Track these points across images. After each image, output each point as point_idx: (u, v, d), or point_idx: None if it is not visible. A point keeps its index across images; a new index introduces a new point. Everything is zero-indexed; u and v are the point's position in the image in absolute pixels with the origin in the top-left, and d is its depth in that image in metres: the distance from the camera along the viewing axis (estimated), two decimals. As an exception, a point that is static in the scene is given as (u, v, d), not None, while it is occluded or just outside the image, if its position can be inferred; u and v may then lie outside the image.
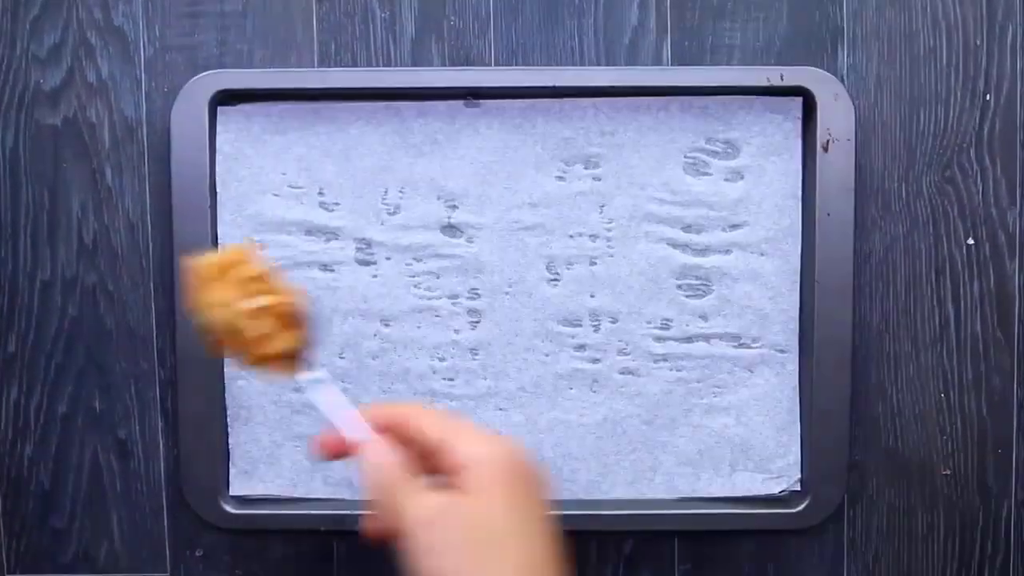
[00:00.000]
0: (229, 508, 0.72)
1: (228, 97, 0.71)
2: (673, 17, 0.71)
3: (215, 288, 0.54)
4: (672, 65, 0.71)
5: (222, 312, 0.54)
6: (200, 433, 0.72)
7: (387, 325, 0.72)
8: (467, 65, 0.72)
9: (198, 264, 0.55)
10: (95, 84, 0.72)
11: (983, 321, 0.72)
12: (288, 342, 0.55)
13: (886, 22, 0.71)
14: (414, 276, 0.71)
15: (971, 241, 0.72)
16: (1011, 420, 0.72)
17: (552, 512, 0.51)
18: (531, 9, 0.71)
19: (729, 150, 0.70)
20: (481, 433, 0.52)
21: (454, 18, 0.72)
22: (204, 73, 0.70)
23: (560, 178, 0.71)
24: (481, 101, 0.71)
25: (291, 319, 0.55)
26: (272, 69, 0.71)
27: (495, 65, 0.72)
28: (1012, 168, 0.71)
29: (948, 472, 0.73)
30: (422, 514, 0.50)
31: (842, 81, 0.71)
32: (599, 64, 0.71)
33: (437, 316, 0.72)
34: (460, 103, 0.71)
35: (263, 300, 0.54)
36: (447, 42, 0.72)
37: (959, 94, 0.71)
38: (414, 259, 0.71)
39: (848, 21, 0.71)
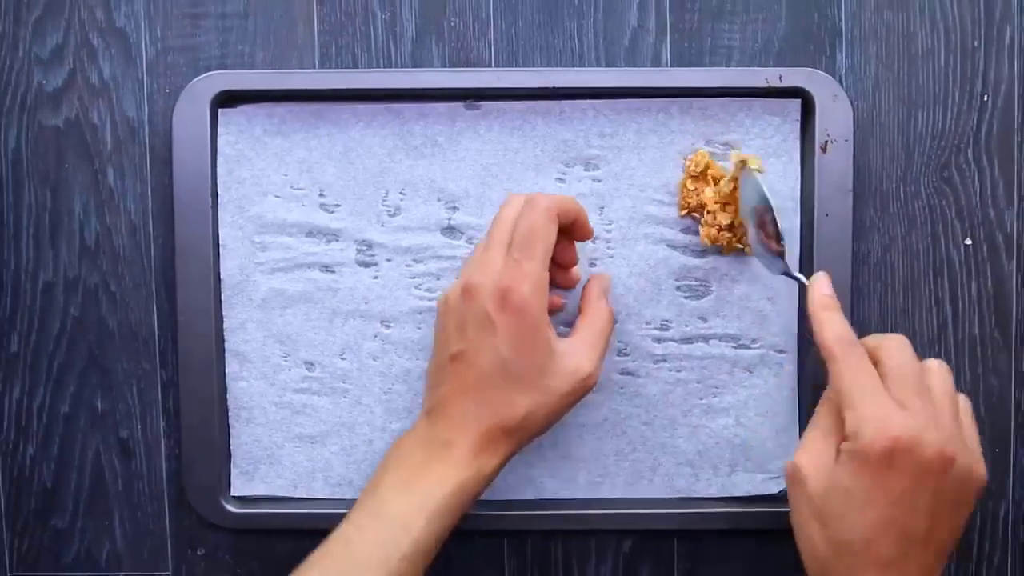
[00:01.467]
0: (230, 507, 0.72)
1: (229, 98, 0.71)
2: (672, 18, 0.71)
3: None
4: (671, 67, 0.72)
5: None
6: (201, 433, 0.72)
7: (387, 326, 0.72)
8: (467, 66, 0.72)
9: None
10: (97, 85, 0.72)
11: (981, 322, 0.72)
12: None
13: (884, 23, 0.71)
14: (414, 277, 0.72)
15: (969, 242, 0.72)
16: (1008, 420, 0.72)
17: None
18: (531, 10, 0.72)
19: (729, 152, 0.71)
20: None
21: (454, 19, 0.72)
22: (205, 74, 0.70)
23: (560, 180, 0.71)
24: (481, 103, 0.71)
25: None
26: (273, 70, 0.72)
27: (495, 66, 0.72)
28: (1009, 169, 0.71)
29: (946, 472, 0.73)
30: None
31: (840, 82, 0.71)
32: (599, 65, 0.72)
33: (437, 317, 0.72)
34: (460, 105, 0.71)
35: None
36: (447, 43, 0.72)
37: (957, 95, 0.71)
38: (414, 260, 0.71)
39: (846, 22, 0.71)
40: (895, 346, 0.60)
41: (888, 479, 0.56)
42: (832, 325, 0.60)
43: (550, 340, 0.63)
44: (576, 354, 0.64)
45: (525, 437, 0.64)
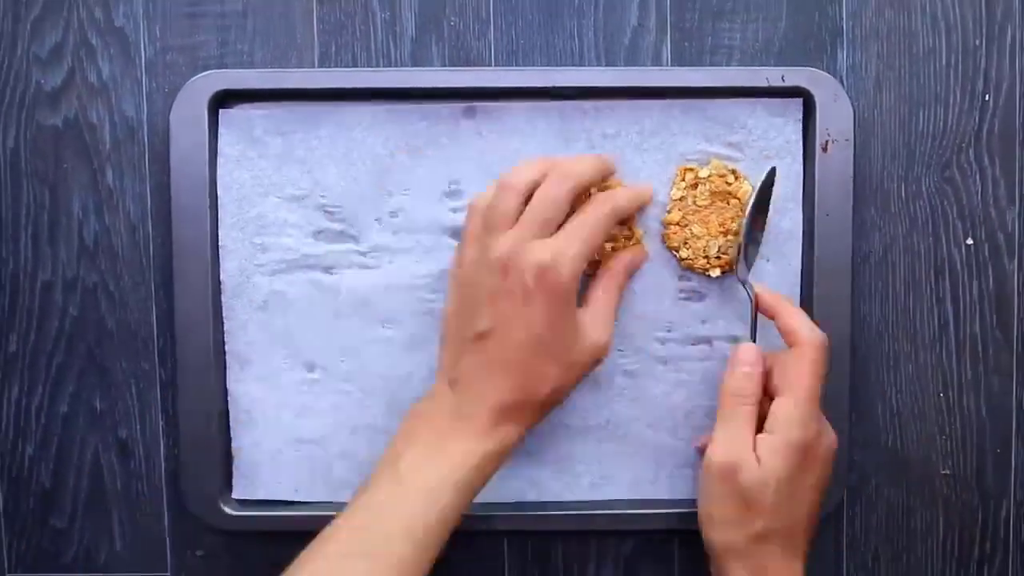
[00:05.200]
0: (229, 510, 0.72)
1: (228, 98, 0.70)
2: (673, 17, 0.71)
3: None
4: (672, 66, 0.71)
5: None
6: (200, 434, 0.72)
7: (389, 328, 0.72)
8: (467, 66, 0.71)
9: None
10: (96, 85, 0.72)
11: (982, 321, 0.72)
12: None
13: (885, 22, 0.71)
14: (416, 279, 0.71)
15: (970, 241, 0.72)
16: (1010, 420, 0.73)
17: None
18: (531, 10, 0.71)
19: (731, 153, 0.70)
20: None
21: (454, 19, 0.71)
22: (203, 73, 0.70)
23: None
24: (479, 105, 0.70)
25: None
26: (272, 70, 0.71)
27: (495, 66, 0.72)
28: (1011, 168, 0.71)
29: (947, 472, 0.73)
30: None
31: (841, 82, 0.71)
32: (598, 65, 0.71)
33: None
34: (460, 106, 0.70)
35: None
36: (447, 43, 0.72)
37: (958, 94, 0.71)
38: (416, 262, 0.71)
39: (847, 21, 0.71)
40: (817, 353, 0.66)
41: (819, 469, 0.65)
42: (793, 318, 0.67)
43: (576, 315, 0.64)
44: (597, 327, 0.66)
45: (546, 409, 0.65)
